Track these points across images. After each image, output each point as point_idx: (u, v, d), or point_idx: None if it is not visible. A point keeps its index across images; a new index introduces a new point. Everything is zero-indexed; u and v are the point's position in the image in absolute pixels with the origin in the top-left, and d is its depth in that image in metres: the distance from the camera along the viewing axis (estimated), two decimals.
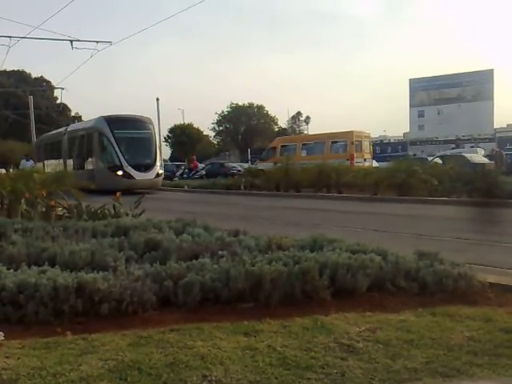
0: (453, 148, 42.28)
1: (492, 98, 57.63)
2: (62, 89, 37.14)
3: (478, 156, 27.97)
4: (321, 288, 4.11)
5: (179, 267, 4.29)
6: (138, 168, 22.68)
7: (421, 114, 61.88)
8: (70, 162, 26.74)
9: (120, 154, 22.77)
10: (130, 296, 3.81)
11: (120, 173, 22.36)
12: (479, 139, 51.31)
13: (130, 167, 22.52)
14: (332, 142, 27.35)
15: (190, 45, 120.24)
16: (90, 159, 24.47)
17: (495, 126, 61.44)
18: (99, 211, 7.84)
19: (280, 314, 3.77)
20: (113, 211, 7.86)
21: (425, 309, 3.93)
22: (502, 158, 24.35)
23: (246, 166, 35.97)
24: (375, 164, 28.43)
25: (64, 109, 61.37)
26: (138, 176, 22.53)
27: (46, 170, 23.33)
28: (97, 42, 28.11)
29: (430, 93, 61.35)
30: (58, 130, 32.21)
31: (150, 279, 4.08)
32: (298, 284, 4.09)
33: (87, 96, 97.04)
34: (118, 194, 8.72)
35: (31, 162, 25.11)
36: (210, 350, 3.09)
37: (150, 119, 25.24)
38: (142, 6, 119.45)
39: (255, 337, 3.32)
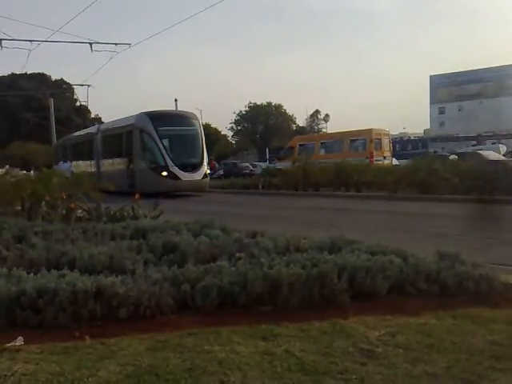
0: (474, 145, 41.75)
1: None
2: (88, 86, 36.56)
3: (495, 153, 27.54)
4: (339, 291, 4.06)
5: (197, 270, 4.29)
6: (184, 168, 20.91)
7: (441, 111, 61.22)
8: (104, 162, 25.52)
9: (165, 153, 21.01)
10: (147, 300, 3.81)
11: (165, 173, 20.67)
12: (501, 135, 50.53)
13: (175, 167, 20.76)
14: (351, 141, 27.20)
15: (208, 45, 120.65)
16: (129, 159, 22.70)
17: None
18: (118, 213, 7.89)
19: (298, 318, 3.73)
20: (131, 213, 7.92)
21: (445, 311, 3.86)
22: None
23: (263, 165, 36.03)
24: (395, 162, 28.19)
25: (84, 110, 62.13)
26: (185, 177, 20.77)
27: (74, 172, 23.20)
28: (116, 44, 28.48)
29: (451, 89, 60.63)
30: (88, 130, 31.00)
31: (167, 283, 4.07)
32: (316, 287, 4.04)
33: (106, 98, 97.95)
34: (137, 195, 8.79)
35: (69, 164, 24.50)
36: (227, 354, 3.08)
37: (195, 115, 23.35)
38: (160, 7, 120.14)
39: (273, 341, 3.30)
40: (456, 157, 24.92)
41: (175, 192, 20.10)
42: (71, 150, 30.71)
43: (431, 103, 62.39)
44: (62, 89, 63.98)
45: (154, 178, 20.56)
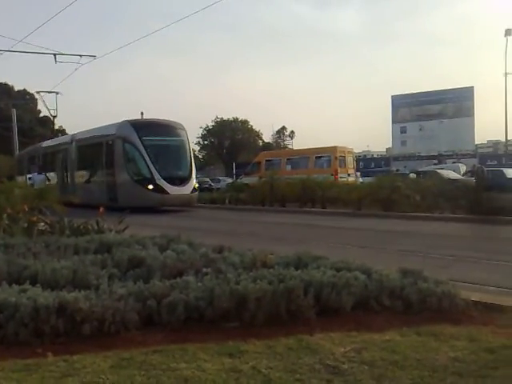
0: (435, 164, 42.77)
1: (473, 115, 58.38)
2: (57, 93, 34.21)
3: (453, 173, 28.35)
4: (306, 307, 4.08)
5: (163, 286, 4.24)
6: (171, 181, 19.46)
7: (403, 130, 62.38)
8: (79, 174, 23.89)
9: (151, 165, 19.49)
10: (112, 316, 3.74)
11: (151, 187, 19.22)
12: (461, 155, 51.93)
13: (162, 180, 19.30)
14: (316, 157, 27.59)
15: (175, 58, 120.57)
16: (109, 171, 20.95)
17: (476, 142, 62.27)
18: (82, 227, 7.75)
19: (265, 334, 3.73)
20: (96, 227, 7.78)
21: (410, 328, 3.92)
22: (484, 174, 24.64)
23: (230, 180, 36.08)
24: (359, 179, 28.68)
25: (48, 121, 61.05)
26: (172, 191, 19.29)
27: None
28: (80, 55, 28.14)
29: (412, 109, 61.95)
30: (60, 139, 29.02)
31: (132, 298, 4.01)
32: (282, 303, 4.05)
33: (70, 110, 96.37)
34: (101, 209, 8.66)
35: (43, 176, 21.98)
36: (193, 372, 3.04)
37: (181, 124, 21.60)
38: (126, 21, 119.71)
39: (240, 358, 3.28)
40: (415, 175, 25.58)
41: (161, 207, 19.39)
42: (40, 161, 28.80)
43: (393, 122, 63.52)
44: (25, 99, 62.73)
45: (138, 192, 19.19)
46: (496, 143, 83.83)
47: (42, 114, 63.16)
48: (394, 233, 11.93)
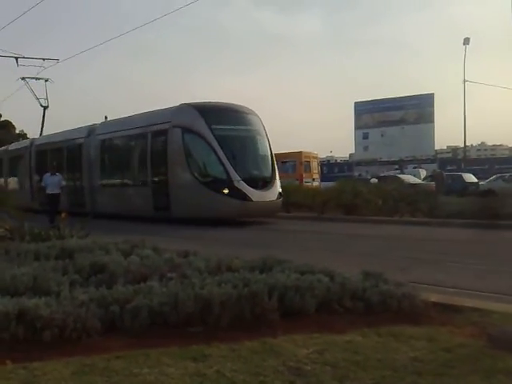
0: (396, 169, 43.64)
1: (433, 121, 59.79)
2: (46, 80, 29.51)
3: (413, 177, 29.11)
4: (270, 310, 4.12)
5: (126, 291, 4.21)
6: (254, 184, 14.88)
7: (365, 136, 63.36)
8: (103, 174, 19.20)
9: (226, 162, 14.69)
10: (73, 322, 3.68)
11: (227, 191, 14.52)
12: (421, 160, 53.12)
13: (242, 182, 14.60)
14: (282, 162, 27.73)
15: (136, 63, 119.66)
16: (157, 171, 16.46)
17: (436, 148, 63.85)
18: (43, 233, 7.61)
19: (229, 338, 3.74)
20: (57, 233, 7.65)
21: (371, 329, 3.99)
22: (443, 179, 25.30)
23: None
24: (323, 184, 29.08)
25: (7, 125, 59.60)
26: (255, 196, 14.63)
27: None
28: (43, 59, 27.49)
29: (374, 115, 63.03)
30: (67, 133, 22.27)
31: (94, 304, 3.97)
32: (247, 307, 4.08)
33: (31, 114, 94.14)
34: (63, 214, 8.52)
35: (59, 178, 16.12)
36: (156, 377, 3.03)
37: (253, 110, 16.85)
38: (88, 25, 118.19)
39: (204, 362, 3.28)
40: (376, 180, 26.14)
41: (239, 218, 14.96)
42: (33, 161, 23.58)
43: (356, 128, 64.49)
44: None
45: (206, 198, 14.57)
46: (455, 149, 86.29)
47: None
48: (356, 236, 12.11)
